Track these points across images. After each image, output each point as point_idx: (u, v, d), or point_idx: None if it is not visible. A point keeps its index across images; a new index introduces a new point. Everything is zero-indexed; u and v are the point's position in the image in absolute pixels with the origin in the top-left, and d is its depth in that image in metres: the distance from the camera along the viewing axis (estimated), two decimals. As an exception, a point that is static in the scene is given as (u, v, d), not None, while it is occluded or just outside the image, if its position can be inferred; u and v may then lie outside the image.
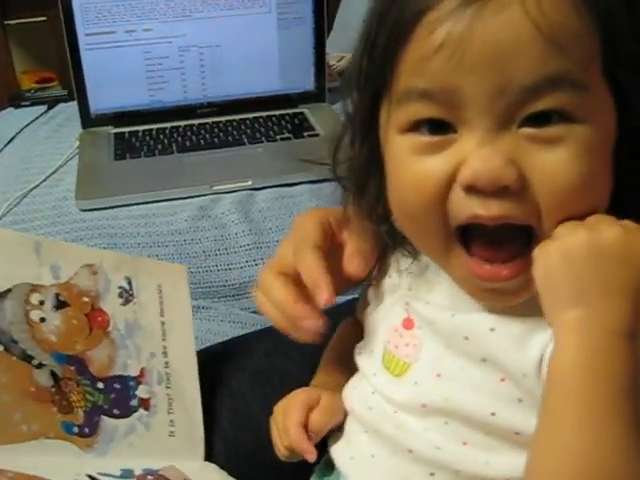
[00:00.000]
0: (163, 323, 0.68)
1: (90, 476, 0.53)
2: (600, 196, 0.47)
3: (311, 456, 0.58)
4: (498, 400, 0.50)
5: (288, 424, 0.60)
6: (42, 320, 0.61)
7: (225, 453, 0.65)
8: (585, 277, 0.44)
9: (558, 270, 0.44)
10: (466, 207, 0.46)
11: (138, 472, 0.56)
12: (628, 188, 0.47)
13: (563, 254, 0.44)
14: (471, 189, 0.45)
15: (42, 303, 0.62)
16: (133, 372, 0.64)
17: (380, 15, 0.49)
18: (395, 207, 0.52)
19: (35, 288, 0.62)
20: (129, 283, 0.68)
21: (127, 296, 0.67)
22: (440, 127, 0.46)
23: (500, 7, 0.43)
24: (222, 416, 0.68)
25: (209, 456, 0.64)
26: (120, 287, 0.67)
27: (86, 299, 0.65)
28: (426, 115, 0.47)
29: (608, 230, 0.44)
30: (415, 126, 0.47)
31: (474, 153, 0.45)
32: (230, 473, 0.63)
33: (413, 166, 0.48)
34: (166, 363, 0.66)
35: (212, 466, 0.63)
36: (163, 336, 0.68)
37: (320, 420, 0.60)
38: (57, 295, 0.63)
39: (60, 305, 0.63)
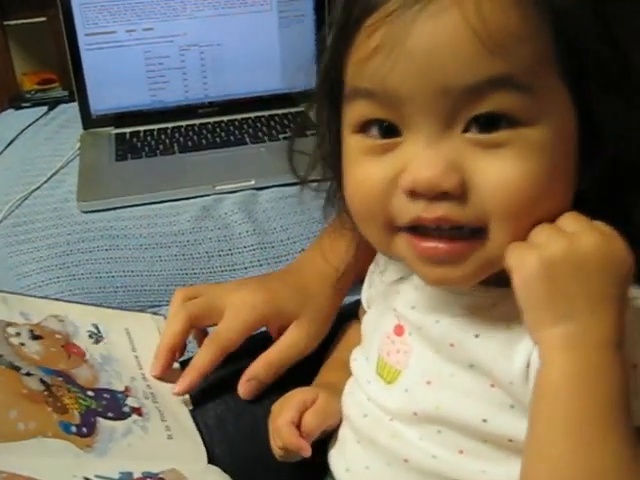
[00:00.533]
0: (137, 357, 0.69)
1: (87, 479, 0.53)
2: (559, 197, 0.46)
3: (305, 452, 0.58)
4: (489, 406, 0.50)
5: (280, 423, 0.60)
6: (22, 345, 0.62)
7: (229, 457, 0.65)
8: (568, 291, 0.43)
9: (539, 284, 0.44)
10: (409, 210, 0.46)
11: (137, 475, 0.55)
12: (594, 188, 0.47)
13: (543, 266, 0.43)
14: (413, 194, 0.45)
15: (18, 334, 0.63)
16: (119, 388, 0.64)
17: (331, 18, 0.50)
18: (347, 204, 0.52)
19: (9, 323, 0.64)
20: (96, 328, 0.70)
21: (97, 337, 0.69)
22: (389, 130, 0.47)
23: (438, 10, 0.43)
24: (226, 420, 0.68)
25: (213, 460, 0.63)
26: (88, 331, 0.69)
27: (59, 336, 0.66)
28: (372, 116, 0.47)
29: (586, 239, 0.44)
30: (365, 127, 0.48)
31: (415, 158, 0.45)
32: (234, 477, 0.62)
33: (359, 168, 0.49)
34: (148, 386, 0.67)
35: (215, 469, 0.62)
36: (139, 366, 0.69)
37: (312, 421, 0.60)
38: (31, 331, 0.65)
39: (35, 337, 0.64)
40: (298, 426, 0.60)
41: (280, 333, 0.70)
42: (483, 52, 0.42)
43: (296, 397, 0.62)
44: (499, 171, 0.44)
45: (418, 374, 0.53)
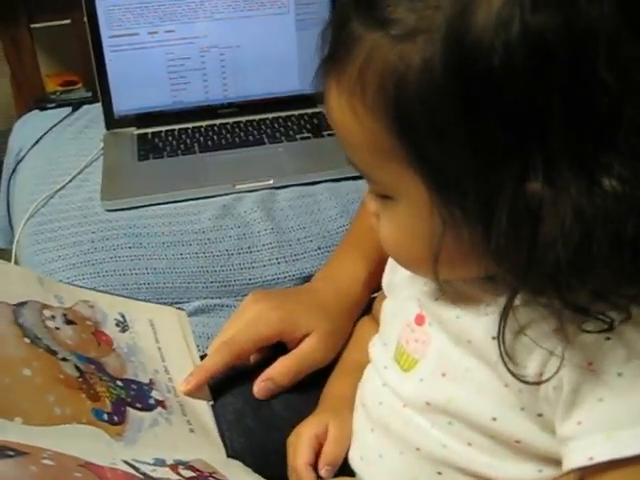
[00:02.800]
0: (159, 348, 0.71)
1: (126, 462, 0.54)
2: (421, 263, 0.50)
3: None
4: (500, 406, 0.50)
5: (297, 465, 0.62)
6: (57, 329, 0.64)
7: (249, 451, 0.66)
8: None
9: None
10: None
11: (170, 461, 0.57)
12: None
13: None
14: None
15: (53, 318, 0.64)
16: (144, 380, 0.66)
17: None
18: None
19: (45, 305, 0.65)
20: (123, 317, 0.71)
21: (123, 326, 0.70)
22: None
23: (326, 93, 0.48)
24: (246, 414, 0.69)
25: (232, 453, 0.65)
26: (115, 319, 0.70)
27: (89, 323, 0.68)
28: None
29: None
30: None
31: None
32: (253, 470, 0.63)
33: None
34: (169, 379, 0.68)
35: (236, 462, 0.64)
36: (162, 358, 0.70)
37: (335, 451, 0.63)
38: (64, 314, 0.66)
39: (69, 322, 0.66)
40: (315, 465, 0.62)
41: (298, 345, 0.72)
42: (342, 145, 0.50)
43: (307, 434, 0.64)
44: (382, 224, 0.52)
45: (434, 365, 0.55)
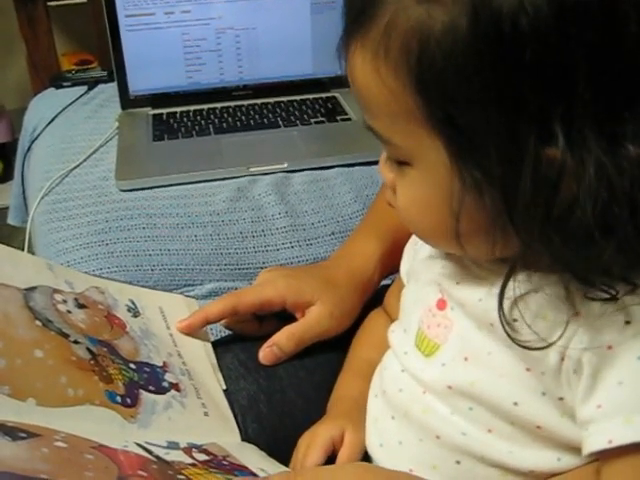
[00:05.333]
0: (171, 335, 0.72)
1: (138, 444, 0.54)
2: (438, 232, 0.51)
3: None
4: (522, 390, 0.51)
5: (306, 465, 0.62)
6: (69, 312, 0.63)
7: (262, 436, 0.67)
8: None
9: None
10: None
11: (183, 445, 0.57)
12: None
13: None
14: None
15: (65, 302, 0.64)
16: (158, 363, 0.66)
17: None
18: None
19: (56, 290, 0.65)
20: (133, 303, 0.72)
21: (135, 312, 0.71)
22: None
23: (349, 57, 0.49)
24: (259, 400, 0.70)
25: (246, 439, 0.65)
26: (126, 305, 0.71)
27: (101, 307, 0.68)
28: None
29: None
30: None
31: None
32: (268, 455, 0.64)
33: None
34: (183, 363, 0.68)
35: (250, 446, 0.64)
36: (174, 343, 0.71)
37: (351, 456, 0.62)
38: (76, 299, 0.66)
39: (80, 306, 0.66)
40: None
41: (304, 314, 0.73)
42: (360, 104, 0.49)
43: (323, 436, 0.63)
44: (398, 194, 0.52)
45: (457, 349, 0.54)
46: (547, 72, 0.41)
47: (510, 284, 0.48)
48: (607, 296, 0.45)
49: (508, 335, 0.49)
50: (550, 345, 0.47)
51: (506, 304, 0.49)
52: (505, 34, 0.40)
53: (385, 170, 0.53)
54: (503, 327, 0.49)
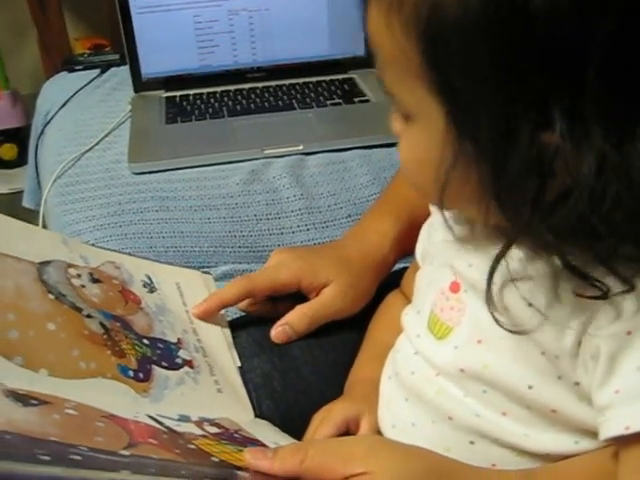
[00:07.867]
0: (187, 311, 0.71)
1: (150, 416, 0.54)
2: (451, 186, 0.48)
3: None
4: (537, 374, 0.50)
5: (319, 437, 0.61)
6: (83, 286, 0.64)
7: (276, 413, 0.67)
8: None
9: None
10: None
11: (195, 418, 0.57)
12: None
13: None
14: None
15: (79, 276, 0.65)
16: (172, 339, 0.66)
17: None
18: None
19: (70, 265, 0.65)
20: (149, 278, 0.72)
21: (150, 287, 0.71)
22: None
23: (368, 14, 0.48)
24: (272, 377, 0.69)
25: (260, 416, 0.65)
26: (142, 280, 0.71)
27: (116, 282, 0.68)
28: None
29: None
30: None
31: None
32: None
33: None
34: (198, 340, 0.68)
35: (264, 422, 0.64)
36: (189, 320, 0.71)
37: None
38: (90, 274, 0.66)
39: (95, 281, 0.66)
40: None
41: (318, 295, 0.73)
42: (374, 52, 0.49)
43: (339, 414, 0.63)
44: (400, 145, 0.52)
45: (470, 332, 0.54)
46: (556, 56, 0.40)
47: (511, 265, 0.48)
48: (598, 293, 0.44)
49: (492, 315, 0.49)
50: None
51: (497, 287, 0.49)
52: (518, 9, 0.39)
53: (394, 119, 0.53)
54: (488, 306, 0.49)
